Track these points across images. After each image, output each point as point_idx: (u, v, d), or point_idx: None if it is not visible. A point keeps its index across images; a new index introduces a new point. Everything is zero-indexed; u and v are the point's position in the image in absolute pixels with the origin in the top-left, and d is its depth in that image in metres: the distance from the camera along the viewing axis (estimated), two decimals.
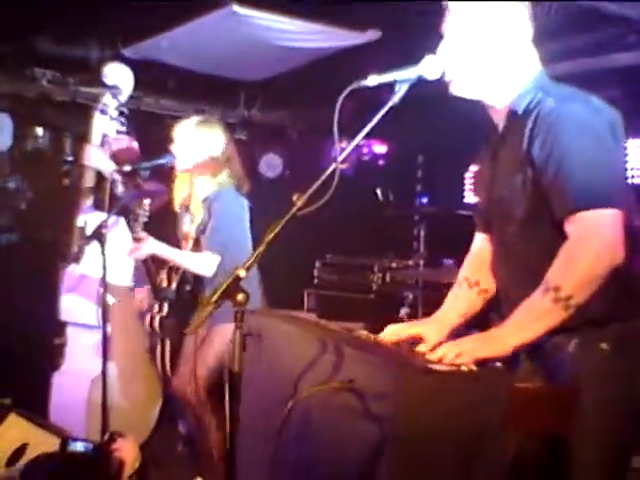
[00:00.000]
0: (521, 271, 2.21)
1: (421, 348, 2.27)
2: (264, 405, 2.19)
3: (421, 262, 5.71)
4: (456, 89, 2.29)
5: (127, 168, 4.08)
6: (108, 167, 4.30)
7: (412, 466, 1.63)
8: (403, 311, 5.54)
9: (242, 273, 2.07)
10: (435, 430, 1.62)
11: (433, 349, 2.13)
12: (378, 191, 6.68)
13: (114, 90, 4.33)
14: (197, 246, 4.07)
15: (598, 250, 2.00)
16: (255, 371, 2.35)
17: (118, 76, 4.37)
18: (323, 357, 1.90)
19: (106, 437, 3.52)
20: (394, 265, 6.04)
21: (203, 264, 3.93)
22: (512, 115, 2.23)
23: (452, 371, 1.76)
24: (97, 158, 4.34)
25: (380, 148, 6.93)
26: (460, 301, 2.49)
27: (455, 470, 1.64)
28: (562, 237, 2.05)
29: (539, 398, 1.75)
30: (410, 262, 5.91)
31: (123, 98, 4.41)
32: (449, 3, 2.28)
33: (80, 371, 4.39)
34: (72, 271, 4.47)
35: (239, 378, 2.05)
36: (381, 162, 7.00)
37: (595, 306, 2.01)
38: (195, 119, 4.18)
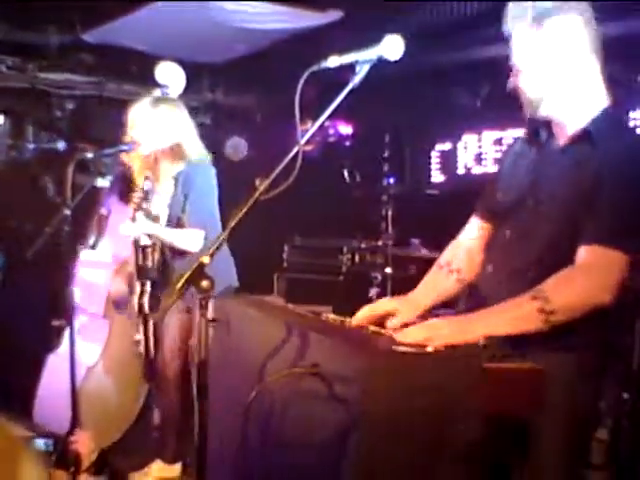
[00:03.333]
0: (522, 274, 2.24)
1: (392, 322, 2.28)
2: (233, 390, 2.19)
3: (389, 242, 5.71)
4: (543, 110, 2.30)
5: (89, 155, 4.02)
6: None
7: (379, 448, 1.62)
8: (373, 291, 5.54)
9: (206, 259, 2.06)
10: (401, 412, 1.62)
11: (403, 326, 2.14)
12: (345, 172, 6.67)
13: (163, 89, 4.21)
14: (170, 224, 4.04)
15: (598, 288, 2.07)
16: (223, 356, 2.35)
17: (170, 75, 4.28)
18: (288, 342, 1.89)
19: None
20: (363, 246, 6.03)
21: (189, 240, 3.93)
22: (581, 136, 2.26)
23: (417, 353, 1.76)
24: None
25: (346, 129, 6.89)
26: (437, 285, 2.52)
27: (423, 451, 1.64)
28: (568, 263, 2.12)
29: (507, 378, 1.75)
30: (379, 243, 5.90)
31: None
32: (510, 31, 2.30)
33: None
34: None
35: (205, 364, 2.05)
36: (347, 143, 6.96)
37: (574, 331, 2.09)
38: (148, 99, 4.08)
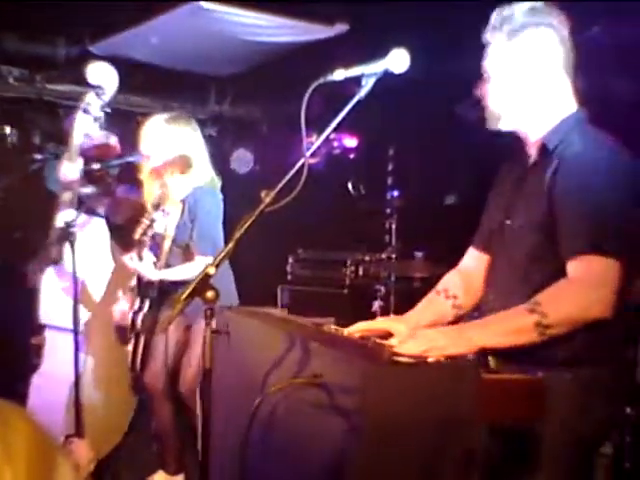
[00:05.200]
0: (511, 299, 2.23)
1: (392, 341, 2.29)
2: (235, 401, 2.19)
3: (393, 255, 5.72)
4: (500, 125, 2.33)
5: (95, 166, 4.04)
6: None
7: (380, 459, 1.63)
8: (376, 304, 5.54)
9: (211, 270, 2.08)
10: (402, 422, 1.63)
11: (403, 342, 2.14)
12: (349, 185, 6.68)
13: (98, 90, 4.25)
14: (176, 246, 4.05)
15: (593, 300, 2.05)
16: (225, 368, 2.35)
17: (102, 75, 4.30)
18: (290, 352, 1.90)
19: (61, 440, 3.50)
20: (367, 259, 6.03)
21: (199, 269, 3.89)
22: (543, 150, 2.28)
23: (418, 363, 1.77)
24: (70, 173, 4.25)
25: (350, 142, 6.91)
26: (433, 308, 2.53)
27: (423, 461, 1.64)
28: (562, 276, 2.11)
29: (506, 388, 1.76)
30: (383, 255, 5.91)
31: (107, 98, 4.33)
32: (488, 41, 2.31)
33: (58, 374, 4.35)
34: (52, 272, 4.42)
35: (210, 375, 2.06)
36: (352, 155, 6.99)
37: (571, 349, 2.11)
38: (164, 115, 4.15)
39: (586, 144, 2.18)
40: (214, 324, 2.28)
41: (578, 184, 2.13)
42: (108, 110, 4.18)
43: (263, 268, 6.36)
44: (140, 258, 3.91)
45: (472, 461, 1.66)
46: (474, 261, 2.55)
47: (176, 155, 4.02)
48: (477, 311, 2.52)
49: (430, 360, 1.84)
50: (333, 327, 2.40)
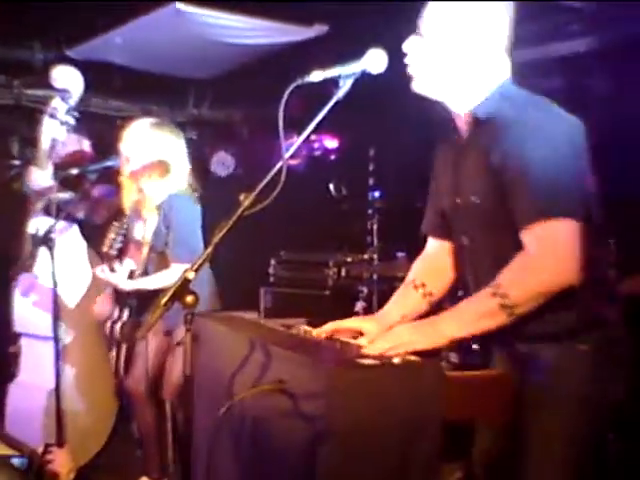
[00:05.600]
0: (487, 276, 2.17)
1: (362, 341, 2.26)
2: (208, 408, 2.18)
3: (375, 256, 5.71)
4: (419, 87, 2.26)
5: (74, 172, 4.00)
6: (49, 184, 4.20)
7: (347, 463, 1.61)
8: (359, 305, 5.54)
9: (191, 275, 2.06)
10: (368, 425, 1.61)
11: (372, 341, 2.13)
12: (331, 186, 6.67)
13: (63, 93, 4.23)
14: (153, 253, 4.03)
15: (552, 270, 1.99)
16: (200, 374, 2.34)
17: (67, 79, 4.27)
18: (252, 357, 1.89)
19: (40, 449, 3.47)
20: (349, 260, 6.03)
21: (175, 277, 3.85)
22: (475, 122, 2.22)
23: (382, 365, 1.75)
24: (41, 179, 4.22)
25: (331, 142, 6.92)
26: (404, 301, 2.49)
27: (391, 464, 1.63)
28: (518, 247, 2.06)
29: (471, 386, 1.75)
30: (365, 256, 5.91)
31: (73, 101, 4.32)
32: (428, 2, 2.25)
33: (36, 382, 4.32)
34: (26, 279, 4.38)
35: (191, 382, 2.05)
36: (333, 157, 6.99)
37: (576, 316, 2.06)
38: (149, 120, 4.13)
39: (520, 109, 2.12)
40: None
41: (518, 151, 2.06)
42: (76, 114, 4.16)
43: (245, 270, 6.34)
44: (111, 270, 3.89)
45: (436, 460, 1.65)
46: (434, 246, 2.52)
47: (155, 160, 3.99)
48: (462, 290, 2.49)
49: (395, 361, 1.82)
50: (303, 328, 2.39)
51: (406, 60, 2.23)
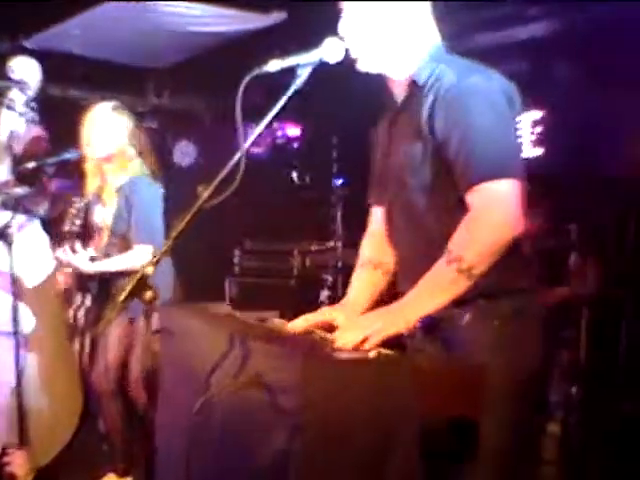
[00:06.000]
0: (423, 241, 2.21)
1: (337, 333, 2.25)
2: (179, 401, 2.16)
3: (339, 244, 5.70)
4: (363, 65, 2.26)
5: (31, 165, 3.95)
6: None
7: (323, 457, 1.61)
8: (324, 294, 5.53)
9: (149, 270, 2.03)
10: (343, 419, 1.61)
11: (342, 334, 2.11)
12: (294, 174, 6.66)
13: (21, 85, 4.15)
14: (114, 237, 3.98)
15: (499, 221, 2.02)
16: (170, 367, 2.32)
17: (24, 70, 4.19)
18: (231, 351, 1.87)
19: None
20: (313, 248, 6.02)
21: (137, 259, 3.85)
22: (413, 86, 2.22)
23: (357, 359, 1.75)
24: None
25: (294, 130, 6.90)
26: (366, 284, 2.46)
27: (367, 458, 1.63)
28: (462, 207, 2.07)
29: (445, 379, 1.75)
30: (330, 244, 5.90)
31: (31, 92, 4.24)
32: None
33: None
34: None
35: (153, 374, 2.03)
36: (296, 144, 6.97)
37: (488, 278, 2.03)
38: (110, 104, 4.07)
39: (457, 73, 2.13)
40: (155, 323, 2.24)
41: (459, 115, 2.08)
42: (34, 105, 4.09)
43: (210, 260, 6.31)
44: (73, 251, 3.84)
45: (414, 454, 1.65)
46: (377, 217, 2.48)
47: (118, 144, 3.97)
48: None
49: (371, 355, 1.82)
50: (277, 322, 2.37)
51: (346, 43, 2.21)
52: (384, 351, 1.88)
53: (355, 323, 2.12)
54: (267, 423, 1.70)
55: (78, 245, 3.86)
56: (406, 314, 2.04)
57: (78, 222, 3.89)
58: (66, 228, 3.90)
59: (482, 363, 1.87)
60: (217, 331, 2.06)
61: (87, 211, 4.07)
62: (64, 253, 3.85)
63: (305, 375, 1.59)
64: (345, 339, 1.99)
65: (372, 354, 1.81)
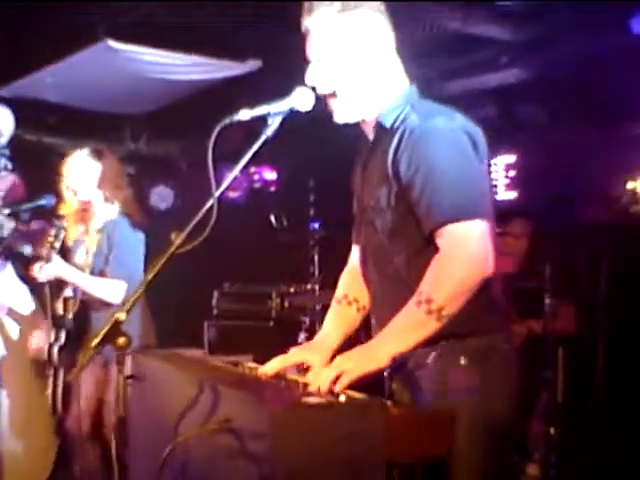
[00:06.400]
0: (394, 283, 2.22)
1: (310, 376, 2.26)
2: (150, 448, 2.15)
3: (317, 286, 5.72)
4: (340, 118, 2.29)
5: (6, 211, 3.98)
6: None
7: None
8: (302, 336, 5.53)
9: (122, 316, 2.03)
10: (311, 465, 1.60)
11: (314, 377, 2.12)
12: (272, 217, 6.69)
13: None
14: (92, 273, 4.02)
15: (469, 261, 2.03)
16: (140, 413, 2.31)
17: None
18: (200, 397, 1.87)
19: None
20: (292, 290, 6.04)
21: (111, 290, 3.90)
22: (380, 128, 2.26)
23: (326, 404, 1.74)
24: None
25: (270, 174, 6.95)
26: (341, 320, 2.48)
27: None
28: (430, 249, 2.09)
29: (415, 424, 1.76)
30: (307, 287, 5.92)
31: (4, 140, 4.28)
32: (309, 28, 2.26)
33: None
34: None
35: (124, 422, 2.02)
36: (273, 188, 7.01)
37: (455, 319, 2.05)
38: (86, 150, 4.14)
39: (421, 116, 2.16)
40: (128, 369, 2.24)
41: (421, 156, 2.10)
42: (7, 152, 4.13)
43: (189, 303, 6.30)
44: (48, 261, 3.89)
45: None
46: (355, 255, 2.50)
47: (101, 190, 4.05)
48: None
49: (341, 399, 1.82)
50: (249, 365, 2.38)
51: (317, 92, 2.24)
52: (353, 394, 1.89)
53: (329, 365, 2.12)
54: (236, 469, 1.69)
55: (54, 256, 3.90)
56: (377, 354, 2.05)
57: (57, 246, 3.91)
58: (44, 252, 3.92)
59: (451, 408, 1.88)
60: (187, 376, 2.06)
61: (68, 253, 4.10)
62: (39, 270, 3.89)
63: (272, 421, 1.59)
64: (317, 380, 2.01)
65: (341, 398, 1.82)
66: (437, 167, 2.09)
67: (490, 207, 2.15)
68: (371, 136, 2.32)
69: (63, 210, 4.11)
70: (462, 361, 2.13)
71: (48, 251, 3.90)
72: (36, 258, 4.01)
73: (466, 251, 2.03)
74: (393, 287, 2.19)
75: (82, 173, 4.05)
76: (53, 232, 3.93)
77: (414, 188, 2.11)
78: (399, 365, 2.14)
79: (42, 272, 3.91)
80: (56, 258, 3.92)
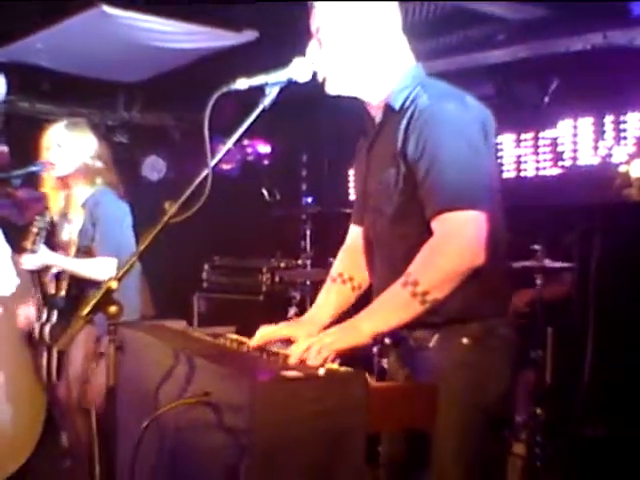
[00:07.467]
0: (390, 266, 2.22)
1: (292, 349, 2.25)
2: (132, 419, 2.14)
3: (308, 262, 5.72)
4: (330, 88, 2.28)
5: None
6: None
7: (272, 477, 1.60)
8: (292, 311, 5.54)
9: (113, 285, 2.01)
10: (292, 438, 1.60)
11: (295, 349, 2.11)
12: (264, 191, 6.67)
13: None
14: (80, 253, 3.97)
15: (459, 250, 2.03)
16: (125, 383, 2.30)
17: None
18: (177, 369, 1.87)
19: None
20: (282, 265, 6.04)
21: (100, 269, 3.84)
22: (389, 110, 2.24)
23: (306, 377, 1.74)
24: None
25: (264, 148, 6.90)
26: (334, 298, 2.48)
27: (316, 476, 1.62)
28: (430, 236, 2.08)
29: (396, 396, 1.76)
30: (299, 262, 5.92)
31: None
32: (313, 2, 2.25)
33: None
34: None
35: (113, 392, 2.01)
36: (266, 162, 6.98)
37: (457, 305, 2.07)
38: (64, 122, 4.07)
39: (432, 97, 2.14)
40: (119, 340, 2.22)
41: (429, 142, 2.09)
42: None
43: (179, 276, 6.29)
44: (33, 252, 3.87)
45: (362, 472, 1.65)
46: (354, 236, 2.51)
47: (81, 163, 3.95)
48: None
49: (320, 372, 1.81)
50: (230, 337, 2.37)
51: (313, 67, 2.22)
52: (334, 367, 1.89)
53: (308, 339, 2.12)
54: (216, 441, 1.68)
55: (41, 245, 3.88)
56: (359, 329, 2.05)
57: (41, 241, 3.88)
58: (28, 245, 3.90)
59: (433, 382, 1.88)
60: (163, 347, 2.05)
61: (54, 229, 4.06)
62: (27, 258, 3.88)
63: (253, 394, 1.58)
64: (295, 351, 2.01)
65: (321, 371, 1.81)
66: (443, 153, 2.08)
67: (493, 199, 2.13)
68: (378, 118, 2.29)
69: (45, 184, 4.06)
70: (464, 341, 2.14)
71: (33, 245, 3.86)
72: (22, 250, 3.95)
73: (457, 241, 2.03)
74: (397, 274, 2.18)
75: (60, 146, 3.97)
76: (37, 226, 3.89)
77: (419, 171, 2.11)
78: (396, 344, 2.13)
79: (28, 262, 3.89)
80: (42, 248, 3.88)
